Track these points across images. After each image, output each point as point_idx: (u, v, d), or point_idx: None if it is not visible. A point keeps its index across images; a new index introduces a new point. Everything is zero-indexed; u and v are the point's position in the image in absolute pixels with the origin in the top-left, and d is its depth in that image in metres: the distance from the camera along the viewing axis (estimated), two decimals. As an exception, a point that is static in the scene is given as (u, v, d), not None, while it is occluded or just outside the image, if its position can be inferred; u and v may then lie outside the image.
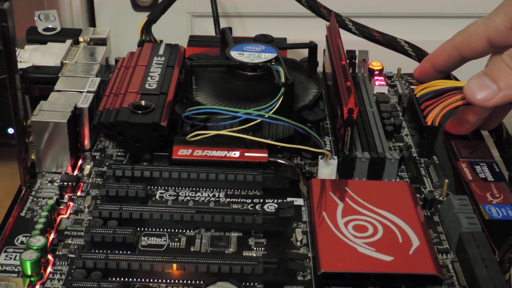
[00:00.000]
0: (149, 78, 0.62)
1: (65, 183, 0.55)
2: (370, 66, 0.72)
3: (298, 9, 0.74)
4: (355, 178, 0.58)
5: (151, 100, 0.59)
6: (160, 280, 0.47)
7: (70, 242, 0.50)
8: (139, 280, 0.47)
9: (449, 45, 0.65)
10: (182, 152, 0.57)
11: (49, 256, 0.49)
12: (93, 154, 0.60)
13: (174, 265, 0.47)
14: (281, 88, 0.56)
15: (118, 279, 0.47)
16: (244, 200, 0.55)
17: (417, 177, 0.59)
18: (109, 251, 0.48)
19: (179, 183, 0.56)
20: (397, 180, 0.58)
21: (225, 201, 0.55)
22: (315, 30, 0.79)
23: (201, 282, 0.47)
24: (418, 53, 0.71)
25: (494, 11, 0.62)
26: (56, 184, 0.56)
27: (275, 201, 0.55)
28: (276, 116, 0.55)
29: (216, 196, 0.56)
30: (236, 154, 0.57)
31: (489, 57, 0.65)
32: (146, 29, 0.71)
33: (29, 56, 0.68)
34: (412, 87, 0.68)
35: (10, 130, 0.74)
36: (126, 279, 0.47)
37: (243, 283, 0.47)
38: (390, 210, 0.52)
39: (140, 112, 0.57)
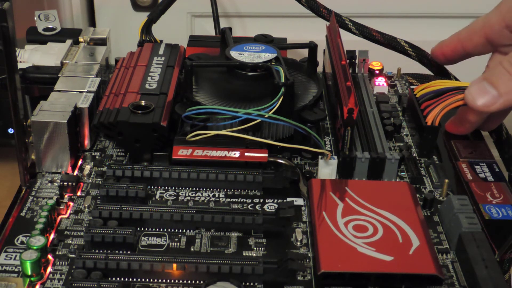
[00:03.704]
0: (149, 78, 0.62)
1: (65, 183, 0.55)
2: (370, 66, 0.72)
3: (298, 9, 0.74)
4: (355, 178, 0.58)
5: (151, 100, 0.59)
6: (160, 280, 0.47)
7: (70, 242, 0.50)
8: (139, 280, 0.47)
9: (456, 38, 0.67)
10: (182, 152, 0.57)
11: (49, 256, 0.49)
12: (93, 154, 0.60)
13: (174, 265, 0.47)
14: (281, 88, 0.56)
15: (118, 279, 0.47)
16: (244, 200, 0.55)
17: (417, 177, 0.59)
18: (109, 251, 0.48)
19: (179, 183, 0.56)
20: (397, 180, 0.58)
21: (225, 201, 0.55)
22: (315, 30, 0.79)
23: (201, 282, 0.47)
24: (418, 53, 0.71)
25: (492, 10, 0.63)
26: (56, 184, 0.56)
27: (275, 201, 0.55)
28: (276, 116, 0.55)
29: (216, 196, 0.56)
30: (236, 154, 0.57)
31: (489, 56, 0.66)
32: (146, 29, 0.71)
33: (29, 56, 0.68)
34: (412, 87, 0.68)
35: (10, 130, 0.74)
36: (126, 279, 0.47)
37: (243, 283, 0.47)
38: (390, 210, 0.52)
39: (140, 112, 0.57)
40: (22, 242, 0.50)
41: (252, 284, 0.47)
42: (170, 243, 0.51)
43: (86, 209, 0.54)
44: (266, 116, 0.55)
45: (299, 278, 0.48)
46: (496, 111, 0.57)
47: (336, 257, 0.48)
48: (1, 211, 0.54)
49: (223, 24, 0.86)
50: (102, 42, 0.71)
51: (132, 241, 0.49)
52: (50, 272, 0.48)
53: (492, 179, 0.58)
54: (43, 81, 0.66)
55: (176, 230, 0.52)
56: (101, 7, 0.91)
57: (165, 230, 0.52)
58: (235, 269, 0.46)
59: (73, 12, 0.88)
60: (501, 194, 0.56)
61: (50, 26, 0.73)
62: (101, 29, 0.73)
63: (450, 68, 0.72)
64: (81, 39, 0.72)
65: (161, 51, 0.67)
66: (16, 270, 0.48)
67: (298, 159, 0.61)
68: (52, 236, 0.51)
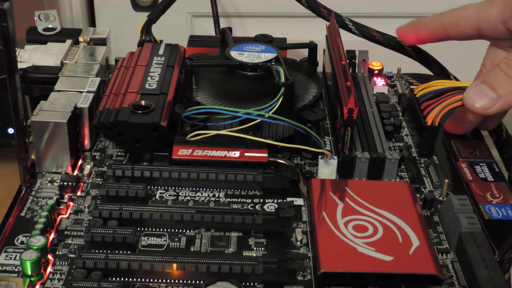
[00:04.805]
0: (149, 78, 0.62)
1: (65, 183, 0.55)
2: (370, 66, 0.72)
3: (298, 9, 0.74)
4: (355, 178, 0.58)
5: (151, 100, 0.59)
6: (160, 280, 0.47)
7: (70, 242, 0.50)
8: (139, 280, 0.47)
9: (437, 21, 0.65)
10: (182, 152, 0.57)
11: (49, 256, 0.49)
12: (93, 154, 0.60)
13: (174, 265, 0.47)
14: (281, 88, 0.56)
15: (118, 279, 0.47)
16: (244, 200, 0.55)
17: (417, 177, 0.59)
18: (109, 251, 0.48)
19: (179, 183, 0.56)
20: (397, 180, 0.58)
21: (225, 201, 0.55)
22: (315, 30, 0.79)
23: (201, 282, 0.47)
24: (418, 53, 0.71)
25: (486, 2, 0.62)
26: (56, 184, 0.56)
27: (275, 201, 0.55)
28: (276, 116, 0.55)
29: (216, 196, 0.56)
30: (236, 154, 0.57)
31: (484, 55, 0.65)
32: (146, 29, 0.71)
33: (29, 56, 0.68)
34: (412, 87, 0.68)
35: (10, 130, 0.74)
36: (126, 279, 0.47)
37: (243, 283, 0.47)
38: (390, 210, 0.52)
39: (140, 112, 0.57)
40: (22, 242, 0.50)
41: (252, 284, 0.47)
42: (170, 243, 0.51)
43: (86, 209, 0.54)
44: (266, 116, 0.55)
45: (299, 278, 0.48)
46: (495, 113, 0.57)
47: (336, 257, 0.48)
48: (1, 211, 0.54)
49: (223, 24, 0.86)
50: (102, 42, 0.71)
51: (132, 241, 0.49)
52: (50, 272, 0.48)
53: (492, 179, 0.58)
54: (43, 81, 0.66)
55: (176, 230, 0.52)
56: (101, 7, 0.91)
57: (165, 230, 0.52)
58: (235, 269, 0.46)
59: (73, 12, 0.88)
60: (501, 194, 0.56)
61: (50, 26, 0.73)
62: (101, 29, 0.73)
63: (450, 68, 0.72)
64: (81, 39, 0.72)
65: (161, 51, 0.67)
66: (16, 270, 0.48)
67: (298, 159, 0.61)
68: (52, 236, 0.51)
